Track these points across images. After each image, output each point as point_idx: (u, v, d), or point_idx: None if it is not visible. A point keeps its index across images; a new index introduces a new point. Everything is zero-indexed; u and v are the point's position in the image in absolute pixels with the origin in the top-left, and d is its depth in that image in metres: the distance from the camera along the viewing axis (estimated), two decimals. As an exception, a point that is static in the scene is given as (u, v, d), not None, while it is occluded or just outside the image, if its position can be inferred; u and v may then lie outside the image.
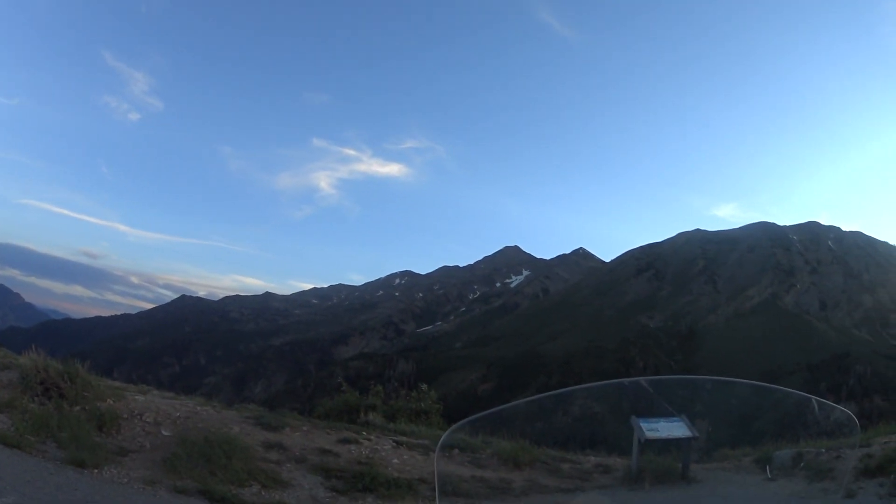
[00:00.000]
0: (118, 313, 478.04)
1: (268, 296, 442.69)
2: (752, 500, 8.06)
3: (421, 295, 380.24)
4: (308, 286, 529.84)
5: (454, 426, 4.58)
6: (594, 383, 4.98)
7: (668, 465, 8.43)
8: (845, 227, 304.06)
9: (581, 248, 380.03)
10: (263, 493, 11.61)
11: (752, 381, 5.43)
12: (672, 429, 8.10)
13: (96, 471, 11.15)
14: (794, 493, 7.50)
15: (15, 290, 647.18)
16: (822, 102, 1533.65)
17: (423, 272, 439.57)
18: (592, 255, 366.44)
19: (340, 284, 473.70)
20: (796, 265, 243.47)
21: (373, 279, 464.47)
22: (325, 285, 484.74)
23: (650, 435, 8.29)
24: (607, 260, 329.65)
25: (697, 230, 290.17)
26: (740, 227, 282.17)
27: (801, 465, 8.31)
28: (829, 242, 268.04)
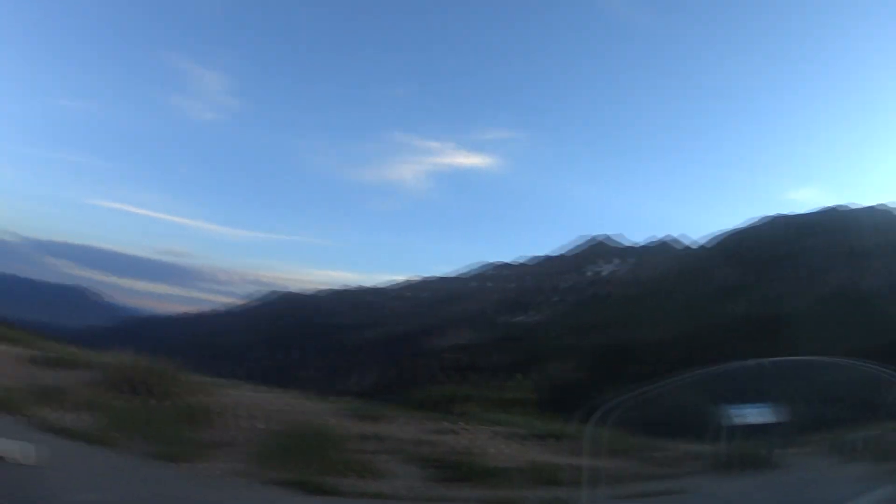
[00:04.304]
0: (206, 310, 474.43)
1: (361, 289, 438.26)
2: (828, 482, 8.04)
3: (513, 285, 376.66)
4: (401, 278, 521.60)
5: (605, 406, 4.58)
6: (731, 364, 5.02)
7: (753, 450, 8.43)
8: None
9: (668, 234, 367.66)
10: (360, 483, 11.60)
11: (869, 363, 5.37)
12: (758, 415, 8.10)
13: (186, 464, 11.21)
14: (866, 474, 7.46)
15: (95, 290, 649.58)
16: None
17: (515, 262, 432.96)
18: (680, 242, 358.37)
19: (433, 276, 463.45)
20: (873, 248, 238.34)
21: (466, 270, 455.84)
22: (419, 277, 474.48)
23: (738, 421, 8.32)
24: (695, 246, 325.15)
25: (778, 214, 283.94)
26: (819, 211, 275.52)
27: (877, 447, 8.26)
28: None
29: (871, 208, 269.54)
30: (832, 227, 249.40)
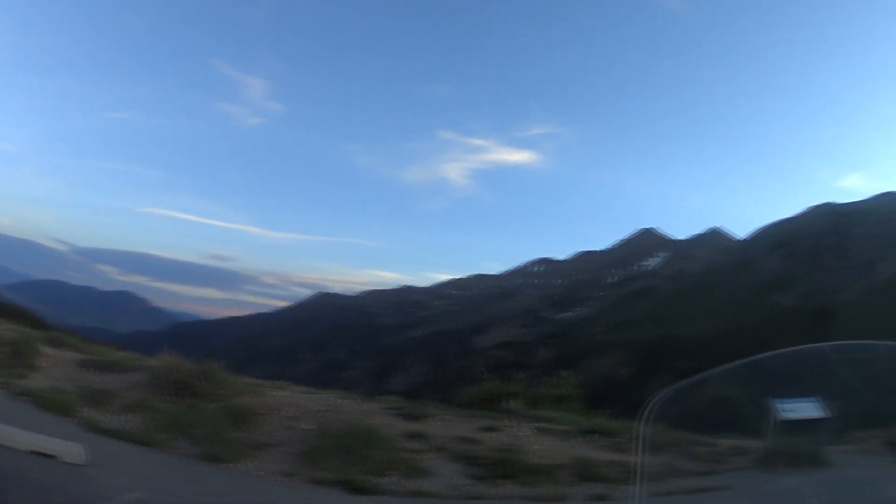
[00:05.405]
0: (252, 313, 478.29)
1: (406, 289, 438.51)
2: (881, 482, 7.92)
3: (559, 281, 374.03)
4: (446, 277, 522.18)
5: (659, 395, 4.51)
6: (791, 348, 4.94)
7: (801, 446, 8.34)
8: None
9: (714, 227, 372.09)
10: (403, 482, 11.73)
11: None
12: (806, 409, 8.03)
13: (231, 465, 11.54)
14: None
15: (141, 296, 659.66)
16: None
17: (560, 258, 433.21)
18: (726, 234, 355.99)
19: (479, 274, 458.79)
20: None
21: (511, 267, 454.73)
22: (464, 276, 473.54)
23: (785, 416, 8.23)
24: (741, 238, 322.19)
25: (826, 203, 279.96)
26: (868, 199, 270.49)
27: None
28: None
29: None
30: (885, 214, 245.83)
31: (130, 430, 12.39)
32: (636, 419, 4.66)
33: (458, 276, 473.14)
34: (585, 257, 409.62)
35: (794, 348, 5.18)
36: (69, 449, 9.56)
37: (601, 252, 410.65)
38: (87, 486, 8.76)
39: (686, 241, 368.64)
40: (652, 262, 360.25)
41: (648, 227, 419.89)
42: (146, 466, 10.58)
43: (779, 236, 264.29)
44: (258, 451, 12.39)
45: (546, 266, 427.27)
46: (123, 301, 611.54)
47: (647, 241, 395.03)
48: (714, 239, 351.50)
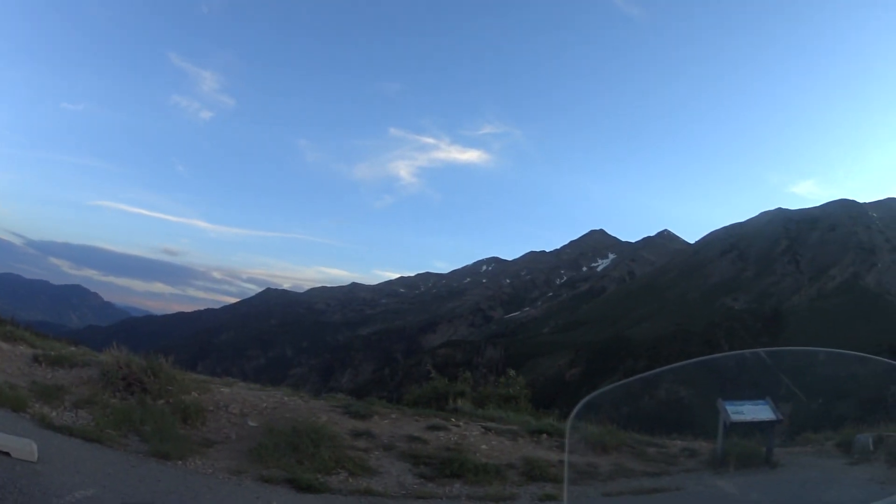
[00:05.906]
0: (201, 308, 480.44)
1: (354, 286, 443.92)
2: (832, 484, 7.98)
3: (508, 281, 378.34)
4: (394, 275, 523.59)
5: (588, 398, 4.48)
6: (723, 353, 4.98)
7: (752, 448, 8.40)
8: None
9: (665, 230, 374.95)
10: (351, 481, 11.66)
11: (873, 356, 5.25)
12: (757, 411, 8.05)
13: (180, 462, 11.31)
14: (874, 477, 7.40)
15: (93, 290, 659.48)
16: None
17: (509, 258, 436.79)
18: (677, 237, 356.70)
19: (427, 273, 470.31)
20: (877, 243, 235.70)
21: (459, 266, 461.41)
22: (412, 274, 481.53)
23: (736, 418, 8.28)
24: (692, 241, 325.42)
25: (779, 209, 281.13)
26: (821, 206, 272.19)
27: (883, 449, 8.18)
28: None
29: (878, 202, 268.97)
30: (836, 221, 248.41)
31: (81, 426, 12.31)
32: (569, 417, 4.61)
33: (406, 275, 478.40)
34: (535, 257, 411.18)
35: (736, 352, 5.23)
36: (22, 446, 9.54)
37: (551, 253, 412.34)
38: (40, 483, 8.79)
39: (636, 243, 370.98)
40: (602, 264, 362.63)
41: (598, 228, 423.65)
42: (96, 463, 10.50)
43: (730, 240, 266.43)
44: (207, 449, 12.31)
45: (495, 266, 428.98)
46: (76, 295, 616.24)
47: (597, 242, 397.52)
48: (665, 242, 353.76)
